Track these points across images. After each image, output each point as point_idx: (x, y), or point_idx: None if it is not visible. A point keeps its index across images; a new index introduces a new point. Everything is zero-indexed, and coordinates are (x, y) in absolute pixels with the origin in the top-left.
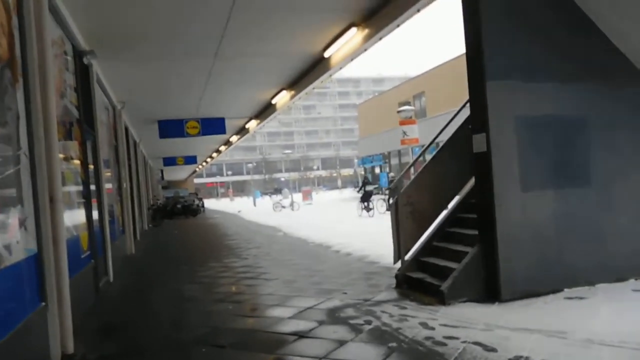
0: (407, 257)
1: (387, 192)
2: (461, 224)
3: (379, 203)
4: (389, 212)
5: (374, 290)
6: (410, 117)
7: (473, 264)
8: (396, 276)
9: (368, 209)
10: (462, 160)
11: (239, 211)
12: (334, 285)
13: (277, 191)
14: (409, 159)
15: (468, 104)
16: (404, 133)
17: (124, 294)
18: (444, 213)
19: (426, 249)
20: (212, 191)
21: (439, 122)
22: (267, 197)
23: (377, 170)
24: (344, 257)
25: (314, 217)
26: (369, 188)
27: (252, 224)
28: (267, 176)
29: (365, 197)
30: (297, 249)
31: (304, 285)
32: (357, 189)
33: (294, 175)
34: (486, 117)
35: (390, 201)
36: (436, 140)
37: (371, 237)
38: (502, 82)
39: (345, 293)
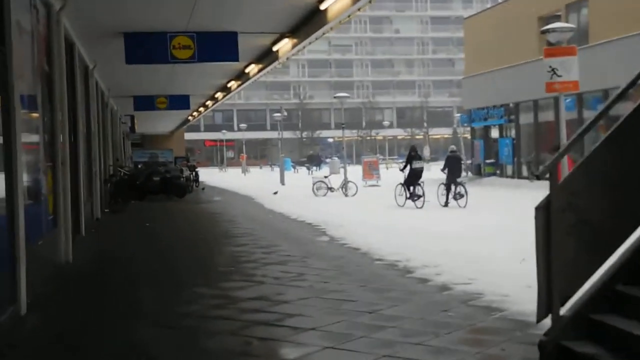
0: (564, 310)
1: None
2: None
3: (440, 190)
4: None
5: None
6: (564, 44)
7: None
8: (541, 345)
9: (414, 195)
10: None
11: (275, 193)
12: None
13: (319, 161)
14: (551, 116)
15: None
16: (553, 71)
17: None
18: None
19: (604, 297)
20: (213, 154)
21: (612, 55)
22: (302, 170)
23: (494, 133)
24: (434, 293)
25: (379, 207)
26: (417, 165)
27: (278, 217)
28: (304, 134)
29: (412, 180)
30: (355, 272)
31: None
32: (401, 165)
33: (349, 135)
34: None
35: (454, 192)
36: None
37: (471, 254)
38: None
39: None
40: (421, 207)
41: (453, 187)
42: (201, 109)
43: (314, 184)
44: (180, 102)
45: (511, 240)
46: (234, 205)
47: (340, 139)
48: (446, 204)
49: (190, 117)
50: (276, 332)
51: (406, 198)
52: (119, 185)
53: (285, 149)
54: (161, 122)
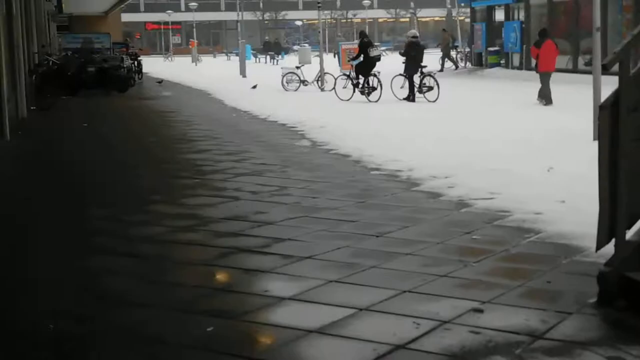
0: (630, 235)
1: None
2: None
3: (396, 82)
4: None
5: (550, 306)
6: None
7: None
8: (602, 277)
9: (369, 88)
10: None
11: (254, 87)
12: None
13: (279, 48)
14: None
15: None
16: None
17: None
18: None
19: None
20: (157, 40)
21: None
22: (265, 60)
23: (499, 15)
24: (451, 211)
25: (361, 104)
26: (375, 53)
27: (244, 117)
28: (266, 16)
29: (365, 69)
30: (348, 184)
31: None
32: (350, 58)
33: (321, 17)
34: None
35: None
36: None
37: (483, 160)
38: None
39: (481, 312)
40: (376, 101)
41: (417, 79)
42: None
43: (283, 76)
44: None
45: (525, 143)
46: (187, 102)
47: (312, 22)
48: (410, 98)
49: None
50: (263, 261)
51: (355, 90)
52: (47, 77)
53: (244, 34)
54: (94, 0)
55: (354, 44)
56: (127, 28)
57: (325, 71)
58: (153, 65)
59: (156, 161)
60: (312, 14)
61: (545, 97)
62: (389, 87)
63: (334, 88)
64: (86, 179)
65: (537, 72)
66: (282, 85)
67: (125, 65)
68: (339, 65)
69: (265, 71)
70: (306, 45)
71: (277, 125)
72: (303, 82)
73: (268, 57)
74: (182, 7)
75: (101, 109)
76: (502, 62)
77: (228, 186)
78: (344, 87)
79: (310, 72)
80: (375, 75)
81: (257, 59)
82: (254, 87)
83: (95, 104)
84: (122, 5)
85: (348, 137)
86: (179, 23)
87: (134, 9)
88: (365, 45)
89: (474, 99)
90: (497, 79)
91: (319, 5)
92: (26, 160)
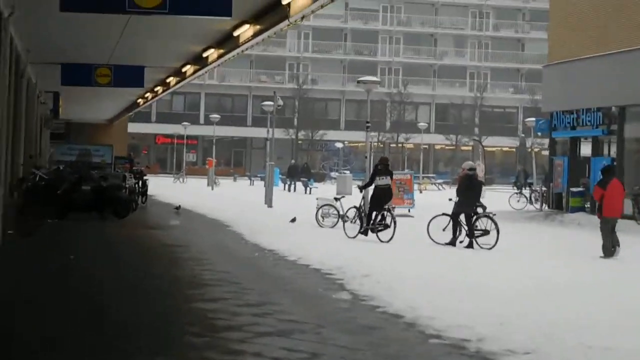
0: None
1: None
2: None
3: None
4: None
5: None
6: None
7: None
8: None
9: (379, 224)
10: None
11: (292, 220)
12: None
13: (309, 175)
14: None
15: None
16: None
17: None
18: None
19: None
20: (167, 156)
21: None
22: (289, 188)
23: (585, 149)
24: None
25: (416, 247)
26: (381, 182)
27: (268, 258)
28: (300, 135)
29: (377, 201)
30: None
31: None
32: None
33: (364, 140)
34: None
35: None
36: None
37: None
38: None
39: None
40: (387, 242)
41: (464, 219)
42: (158, 88)
43: (318, 209)
44: (130, 76)
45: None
46: (200, 235)
47: (354, 145)
48: (468, 244)
49: (139, 100)
50: None
51: (362, 228)
52: (32, 194)
53: (273, 155)
54: (98, 106)
55: (404, 174)
56: (134, 140)
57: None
58: (160, 187)
59: (157, 312)
60: (355, 136)
61: (606, 249)
62: (425, 228)
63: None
64: (62, 339)
65: (599, 217)
66: (317, 219)
67: (127, 185)
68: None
69: (296, 201)
70: (347, 172)
71: (310, 271)
72: (342, 217)
73: (300, 184)
74: (201, 119)
75: (94, 239)
76: (587, 206)
77: (246, 349)
78: (353, 222)
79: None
80: (389, 210)
81: (288, 186)
82: (293, 220)
83: (87, 232)
84: (131, 114)
85: (399, 289)
86: (195, 137)
87: (144, 118)
88: (375, 172)
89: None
90: (579, 228)
91: (368, 125)
92: None
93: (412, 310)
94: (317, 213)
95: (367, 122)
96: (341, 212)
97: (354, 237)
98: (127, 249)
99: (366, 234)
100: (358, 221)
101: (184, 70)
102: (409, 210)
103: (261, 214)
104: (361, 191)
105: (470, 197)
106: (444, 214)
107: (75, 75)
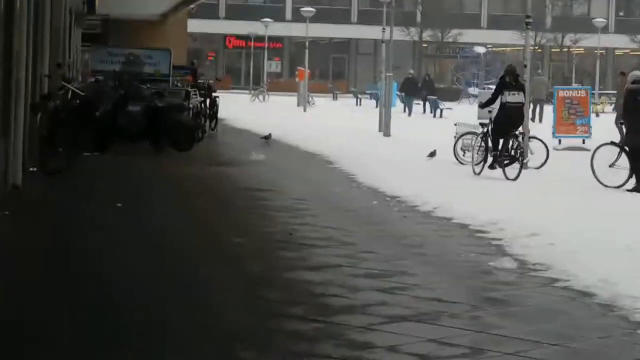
0: None
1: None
2: None
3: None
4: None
5: None
6: None
7: None
8: None
9: (505, 157)
10: None
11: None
12: None
13: (432, 90)
14: None
15: None
16: None
17: None
18: None
19: None
20: (241, 65)
21: None
22: (406, 110)
23: None
24: None
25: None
26: (511, 98)
27: (393, 207)
28: (426, 35)
29: (502, 126)
30: None
31: None
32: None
33: (512, 40)
34: None
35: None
36: None
37: None
38: None
39: None
40: (514, 179)
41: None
42: None
43: (457, 139)
44: None
45: None
46: (294, 175)
47: (499, 50)
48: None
49: None
50: None
51: (484, 162)
52: (61, 117)
53: (390, 63)
54: None
55: (576, 91)
56: (196, 43)
57: (532, 134)
58: (234, 107)
59: (243, 283)
60: (501, 37)
61: None
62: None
63: (542, 164)
64: (120, 319)
65: None
66: (455, 155)
67: (192, 105)
68: (553, 125)
69: (422, 127)
70: (491, 87)
71: (454, 227)
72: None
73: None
74: (288, 14)
75: (149, 179)
76: None
77: (375, 341)
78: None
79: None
80: (516, 137)
81: (406, 108)
82: (432, 154)
83: (138, 170)
84: (192, 6)
85: (580, 254)
86: (279, 40)
87: (210, 12)
88: (501, 84)
89: None
90: None
91: (529, 21)
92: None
93: (604, 286)
94: (455, 145)
95: (528, 16)
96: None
97: (479, 173)
98: (193, 193)
99: (495, 168)
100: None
101: None
102: (584, 141)
103: (376, 146)
104: (482, 107)
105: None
106: (612, 143)
107: None
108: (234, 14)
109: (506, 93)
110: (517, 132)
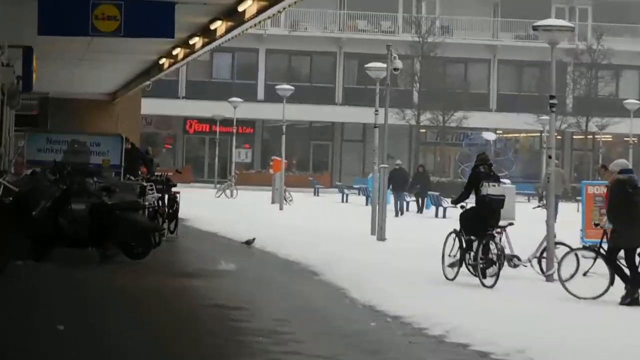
0: None
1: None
2: None
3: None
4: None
5: None
6: None
7: None
8: None
9: (486, 261)
10: None
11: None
12: None
13: (427, 183)
14: None
15: None
16: None
17: None
18: None
19: None
20: (205, 153)
21: None
22: (406, 207)
23: None
24: None
25: None
26: (491, 191)
27: (396, 332)
28: (424, 119)
29: (479, 221)
30: None
31: None
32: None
33: (528, 128)
34: None
35: None
36: None
37: None
38: None
39: None
40: (490, 287)
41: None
42: (196, 40)
43: (444, 256)
44: (151, 19)
45: None
46: (272, 289)
47: (511, 136)
48: (628, 299)
49: (163, 62)
50: None
51: (460, 263)
52: None
53: (384, 150)
54: (95, 71)
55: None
56: (151, 127)
57: (557, 239)
58: (195, 204)
59: None
60: (513, 121)
61: None
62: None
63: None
64: None
65: None
66: (443, 271)
67: (149, 203)
68: (581, 228)
69: (422, 230)
70: (506, 181)
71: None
72: (508, 258)
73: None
74: (260, 94)
75: (96, 295)
76: None
77: None
78: (585, 274)
79: (519, 237)
80: (493, 237)
81: (395, 205)
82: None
83: (83, 282)
84: (147, 83)
85: None
86: (250, 123)
87: (168, 90)
88: (476, 175)
89: None
90: None
91: (553, 102)
92: None
93: None
94: (443, 258)
95: (552, 97)
96: (507, 250)
97: (453, 278)
98: (149, 315)
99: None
100: (458, 253)
101: (240, 8)
102: None
103: (370, 252)
104: (455, 205)
105: (630, 220)
106: (584, 248)
107: (60, 18)
108: (196, 92)
109: (485, 185)
110: (494, 232)
